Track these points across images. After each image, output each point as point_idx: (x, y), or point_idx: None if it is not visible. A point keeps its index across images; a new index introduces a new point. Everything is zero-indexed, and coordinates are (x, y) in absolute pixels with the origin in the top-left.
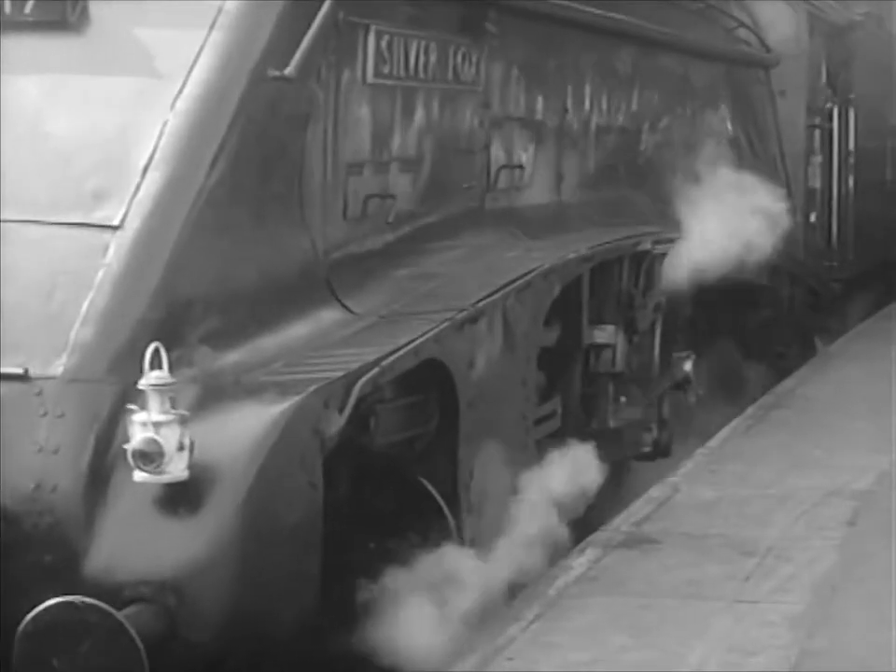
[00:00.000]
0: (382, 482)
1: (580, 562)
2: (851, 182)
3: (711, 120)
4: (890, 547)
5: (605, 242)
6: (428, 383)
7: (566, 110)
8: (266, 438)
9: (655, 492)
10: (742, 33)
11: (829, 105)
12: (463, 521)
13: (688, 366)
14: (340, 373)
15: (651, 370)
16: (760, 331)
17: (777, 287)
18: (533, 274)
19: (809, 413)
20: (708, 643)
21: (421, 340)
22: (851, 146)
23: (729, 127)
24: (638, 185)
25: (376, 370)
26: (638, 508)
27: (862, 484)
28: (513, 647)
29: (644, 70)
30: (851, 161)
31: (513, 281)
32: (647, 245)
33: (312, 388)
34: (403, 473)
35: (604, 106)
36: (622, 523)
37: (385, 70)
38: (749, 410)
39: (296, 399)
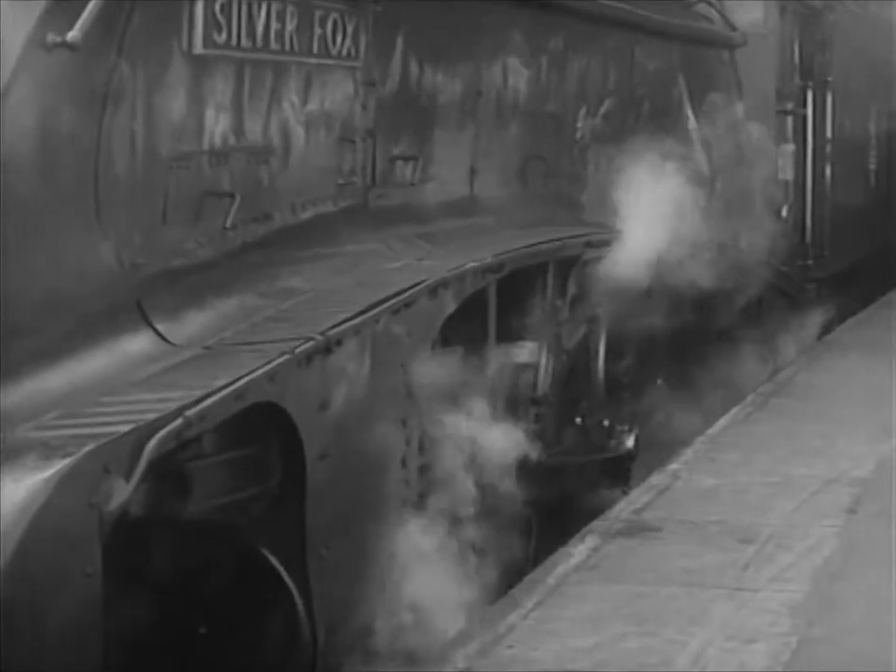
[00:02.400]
0: (212, 554)
1: (579, 550)
2: (828, 172)
3: (665, 106)
4: (891, 534)
5: (518, 247)
6: (267, 431)
7: (479, 93)
8: (22, 515)
9: (655, 480)
10: (703, 9)
11: (803, 90)
12: (314, 600)
13: (630, 441)
14: (128, 427)
15: (593, 396)
16: (723, 340)
17: (742, 291)
18: (416, 290)
19: (809, 400)
20: (708, 631)
21: (246, 380)
22: (828, 133)
23: (686, 113)
24: (573, 179)
25: (179, 421)
26: (638, 496)
27: (862, 472)
28: (513, 634)
29: (581, 48)
30: (828, 149)
31: (388, 298)
32: (575, 250)
33: (87, 449)
34: (237, 542)
35: (529, 89)
36: (622, 511)
37: (220, 39)
38: (749, 398)
39: (64, 462)
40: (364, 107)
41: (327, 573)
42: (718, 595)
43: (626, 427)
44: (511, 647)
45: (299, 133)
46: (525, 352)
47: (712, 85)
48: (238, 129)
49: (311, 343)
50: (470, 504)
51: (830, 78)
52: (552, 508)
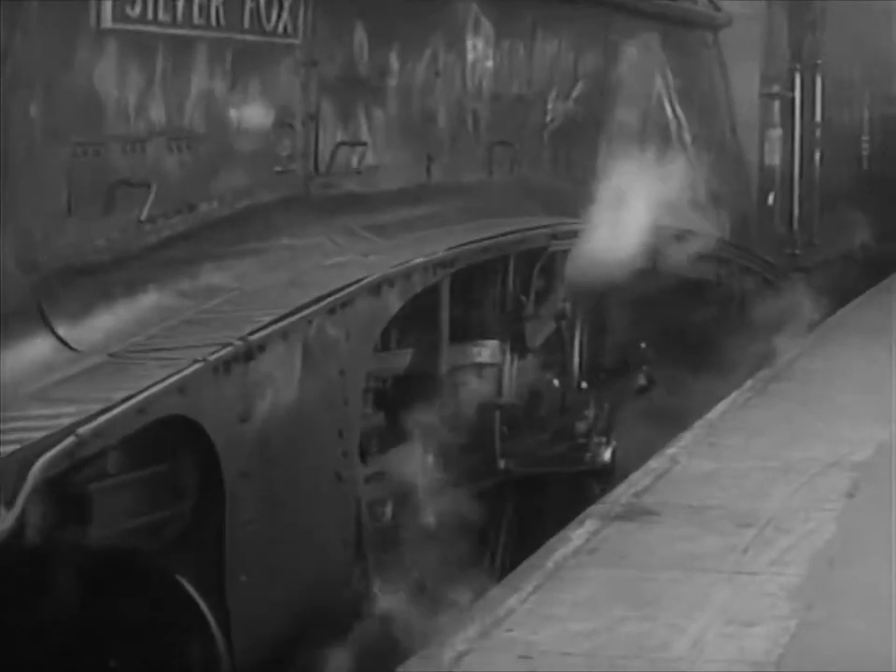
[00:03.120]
0: (123, 583)
1: (578, 533)
2: (817, 158)
3: (643, 89)
4: (890, 519)
5: (475, 240)
6: (182, 447)
7: (437, 73)
8: None
9: (654, 464)
10: None
11: (791, 72)
12: (235, 631)
13: (607, 454)
14: (13, 446)
15: (566, 398)
16: (705, 334)
17: (725, 283)
18: (354, 288)
19: (809, 384)
20: (707, 615)
21: (148, 392)
22: (818, 117)
23: (667, 96)
24: (543, 165)
25: (71, 439)
26: (637, 479)
27: (862, 456)
28: (512, 618)
29: (551, 27)
30: (817, 134)
31: (323, 298)
32: (539, 241)
33: None
34: (149, 570)
35: (493, 69)
36: (621, 494)
37: (134, 12)
38: (749, 382)
39: None
40: (305, 89)
41: (248, 601)
42: (717, 578)
43: (604, 439)
44: (510, 630)
45: (228, 116)
46: (486, 351)
47: (695, 67)
48: (156, 112)
49: (228, 349)
50: (425, 522)
51: (820, 61)
52: (521, 525)
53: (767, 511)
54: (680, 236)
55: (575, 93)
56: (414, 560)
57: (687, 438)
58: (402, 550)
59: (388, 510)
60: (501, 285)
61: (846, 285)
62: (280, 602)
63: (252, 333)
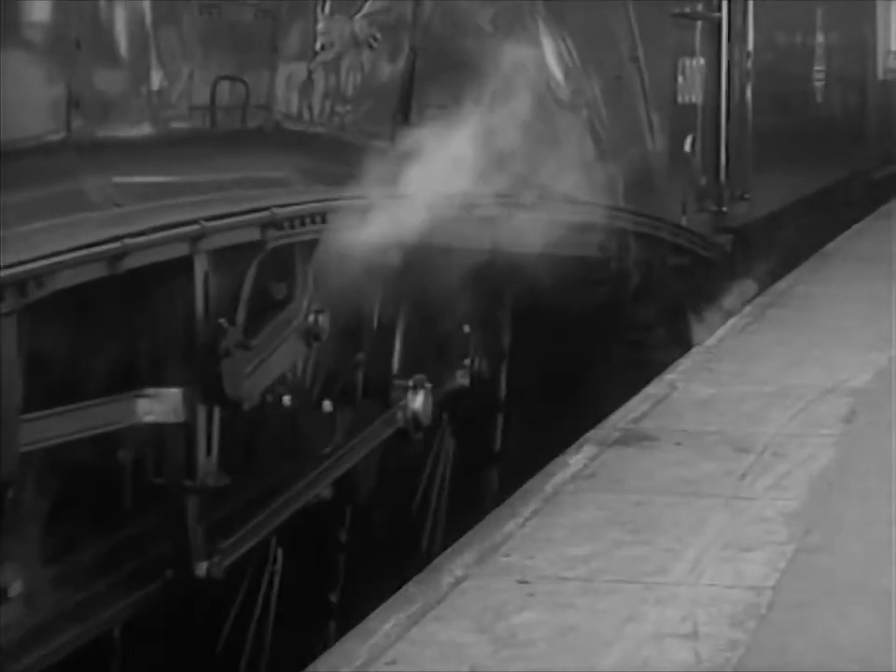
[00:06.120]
0: None
1: (576, 459)
2: (749, 94)
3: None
4: (887, 444)
5: (83, 245)
6: None
7: None
8: None
9: (652, 389)
10: None
11: None
12: None
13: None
14: None
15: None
16: (599, 319)
17: (616, 256)
18: None
19: (807, 310)
20: (705, 540)
21: None
22: (750, 44)
23: (529, 11)
24: (310, 111)
25: None
26: (635, 405)
27: (860, 382)
28: (510, 543)
29: None
30: (749, 64)
31: None
32: (241, 234)
33: None
34: None
35: None
36: (619, 420)
37: None
38: (747, 308)
39: None
40: None
41: None
42: (714, 503)
43: (409, 382)
44: (507, 555)
45: None
46: (160, 406)
47: None
48: None
49: None
50: None
51: None
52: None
53: (765, 436)
54: (537, 201)
55: (367, 8)
56: None
57: (685, 363)
58: None
59: None
60: (182, 304)
61: (786, 247)
62: None
63: None
